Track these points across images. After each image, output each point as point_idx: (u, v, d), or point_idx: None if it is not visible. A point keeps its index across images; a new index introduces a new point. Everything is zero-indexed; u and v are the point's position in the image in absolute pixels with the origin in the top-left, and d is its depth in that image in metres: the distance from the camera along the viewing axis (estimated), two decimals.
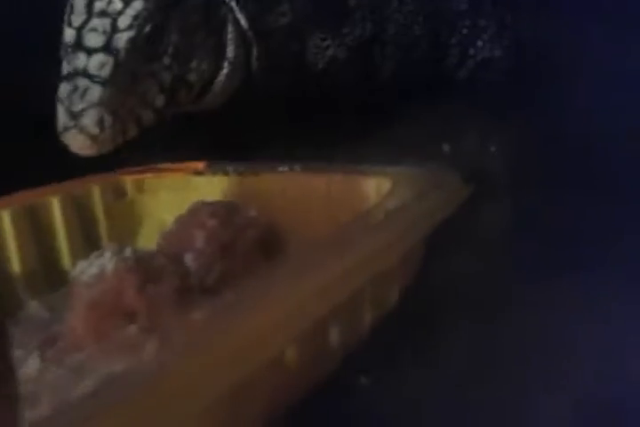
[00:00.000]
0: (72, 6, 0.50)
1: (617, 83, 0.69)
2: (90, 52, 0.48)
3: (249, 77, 0.60)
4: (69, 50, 0.49)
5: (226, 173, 0.56)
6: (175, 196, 0.57)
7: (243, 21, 0.59)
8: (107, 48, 0.48)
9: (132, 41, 0.49)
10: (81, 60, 0.48)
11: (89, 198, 0.55)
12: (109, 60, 0.48)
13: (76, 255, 0.52)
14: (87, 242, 0.54)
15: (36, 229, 0.50)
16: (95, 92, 0.47)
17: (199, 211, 0.48)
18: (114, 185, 0.57)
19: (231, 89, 0.59)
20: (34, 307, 0.47)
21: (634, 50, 0.72)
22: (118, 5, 0.49)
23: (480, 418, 0.37)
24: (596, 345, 0.42)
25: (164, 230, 0.50)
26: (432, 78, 0.75)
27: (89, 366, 0.37)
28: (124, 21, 0.49)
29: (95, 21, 0.49)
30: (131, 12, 0.49)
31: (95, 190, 0.56)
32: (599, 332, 0.43)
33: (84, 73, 0.47)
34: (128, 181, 0.58)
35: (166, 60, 0.52)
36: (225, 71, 0.57)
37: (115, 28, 0.48)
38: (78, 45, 0.48)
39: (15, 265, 0.49)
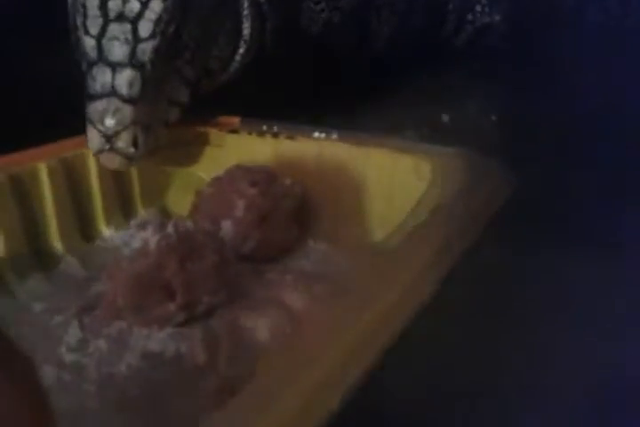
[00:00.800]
0: (84, 7, 0.46)
1: (619, 46, 0.66)
2: (115, 67, 0.45)
3: (262, 51, 0.59)
4: (92, 64, 0.46)
5: (261, 134, 0.55)
6: (209, 152, 0.57)
7: None
8: (132, 62, 0.45)
9: (156, 50, 0.46)
10: (107, 77, 0.45)
11: None
12: (137, 77, 0.45)
13: (110, 211, 0.53)
14: (120, 196, 0.54)
15: (71, 182, 0.50)
16: (127, 112, 0.45)
17: (238, 177, 0.48)
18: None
19: (244, 66, 0.57)
20: (69, 263, 0.48)
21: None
22: (135, 6, 0.45)
23: None
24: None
25: (201, 192, 0.50)
26: (430, 45, 0.74)
27: (128, 339, 0.38)
28: (145, 28, 0.45)
29: (114, 28, 0.45)
30: (151, 15, 0.45)
31: None
32: None
33: (113, 92, 0.45)
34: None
35: (187, 55, 0.49)
36: (241, 51, 0.55)
37: (137, 37, 0.45)
38: (101, 60, 0.45)
39: (50, 219, 0.49)
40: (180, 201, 0.56)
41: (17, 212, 0.47)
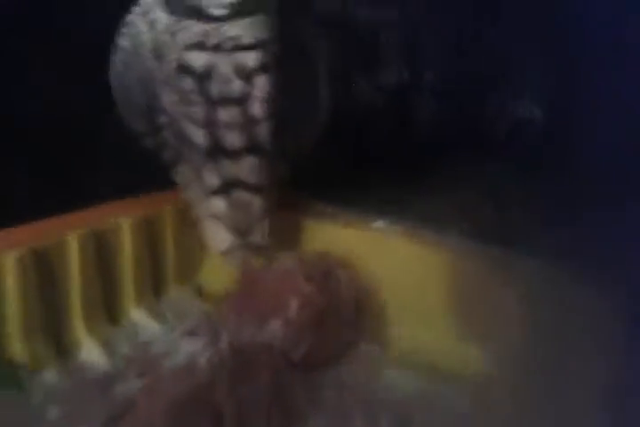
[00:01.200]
0: (180, 91, 0.39)
1: None
2: (232, 156, 0.40)
3: None
4: (207, 155, 0.40)
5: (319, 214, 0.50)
6: None
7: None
8: (251, 147, 0.40)
9: (272, 131, 0.40)
10: (228, 168, 0.40)
11: (160, 222, 0.49)
12: (259, 163, 0.40)
13: (141, 288, 0.47)
14: (152, 273, 0.48)
15: (100, 255, 0.45)
16: (257, 203, 0.41)
17: (292, 268, 0.43)
18: (186, 209, 0.51)
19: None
20: (91, 351, 0.42)
21: None
22: (239, 85, 0.38)
23: None
24: None
25: (246, 280, 0.44)
26: (469, 134, 0.71)
27: None
28: (257, 109, 0.39)
29: (222, 113, 0.39)
30: (258, 93, 0.39)
31: (167, 214, 0.50)
32: None
33: (238, 183, 0.41)
34: None
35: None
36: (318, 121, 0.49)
37: (251, 120, 0.39)
38: (217, 149, 0.40)
39: (74, 297, 0.43)
40: (216, 280, 0.51)
41: (37, 289, 0.41)
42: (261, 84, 0.38)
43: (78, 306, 0.43)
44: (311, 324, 0.41)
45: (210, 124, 0.39)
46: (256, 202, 0.41)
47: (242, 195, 0.41)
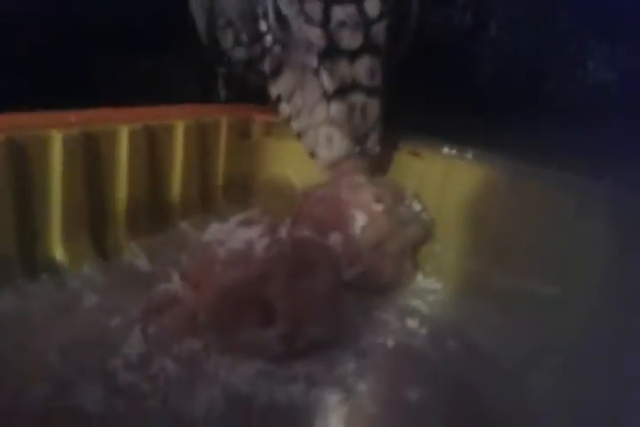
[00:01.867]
0: None
1: None
2: (351, 55, 0.38)
3: None
4: (323, 56, 0.38)
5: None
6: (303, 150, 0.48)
7: None
8: (368, 48, 0.38)
9: (388, 31, 0.38)
10: (345, 69, 0.38)
11: (215, 131, 0.46)
12: (376, 63, 0.38)
13: (189, 199, 0.44)
14: (202, 186, 0.45)
15: (152, 155, 0.42)
16: (374, 107, 0.38)
17: (362, 187, 0.39)
18: (241, 122, 0.48)
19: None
20: (134, 252, 0.39)
21: None
22: None
23: None
24: None
25: (309, 193, 0.41)
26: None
27: (204, 366, 0.29)
28: (373, 8, 0.37)
29: (339, 12, 0.37)
30: None
31: (223, 124, 0.46)
32: None
33: (355, 85, 0.38)
34: (257, 121, 0.49)
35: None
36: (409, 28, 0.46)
37: (367, 19, 0.37)
38: (332, 49, 0.38)
39: (120, 192, 0.40)
40: (265, 202, 0.48)
41: (84, 178, 0.38)
42: None
43: (123, 206, 0.40)
44: (371, 246, 0.37)
45: (326, 23, 0.37)
46: (372, 105, 0.38)
47: (359, 98, 0.38)
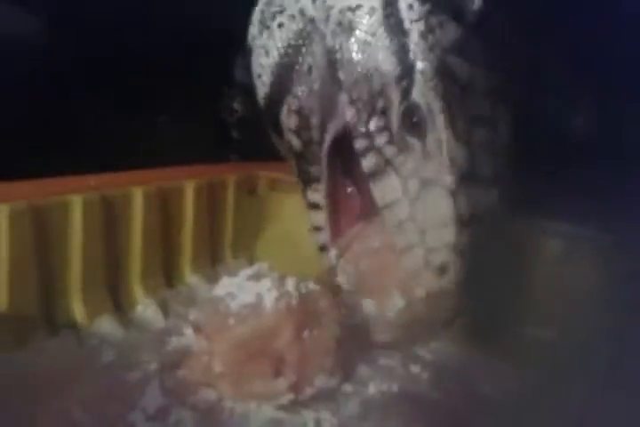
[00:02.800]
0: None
1: None
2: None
3: None
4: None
5: None
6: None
7: None
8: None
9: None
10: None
11: (223, 190, 0.49)
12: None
13: (199, 254, 0.46)
14: (211, 240, 0.48)
15: (165, 214, 0.44)
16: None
17: None
18: (248, 179, 0.51)
19: None
20: (148, 307, 0.42)
21: None
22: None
23: None
24: None
25: None
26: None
27: (219, 414, 0.31)
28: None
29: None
30: None
31: (230, 182, 0.49)
32: None
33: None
34: (262, 177, 0.52)
35: None
36: None
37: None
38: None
39: (135, 253, 0.42)
40: (270, 256, 0.50)
41: (102, 238, 0.40)
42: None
43: (138, 264, 0.42)
44: None
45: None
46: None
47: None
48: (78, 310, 0.39)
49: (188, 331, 0.35)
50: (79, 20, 0.57)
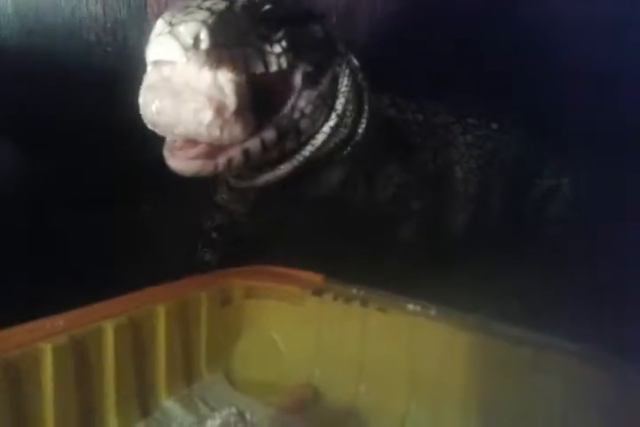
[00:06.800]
0: None
1: None
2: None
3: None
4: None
5: (348, 299, 0.50)
6: (286, 310, 0.52)
7: (359, 75, 0.55)
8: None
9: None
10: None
11: (195, 307, 0.50)
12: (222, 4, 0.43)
13: (173, 377, 0.47)
14: (185, 359, 0.48)
15: (136, 343, 0.45)
16: (200, 14, 0.42)
17: None
18: (222, 291, 0.52)
19: (329, 147, 0.54)
20: None
21: None
22: None
23: None
24: None
25: None
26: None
27: None
28: None
29: None
30: None
31: (203, 298, 0.50)
32: None
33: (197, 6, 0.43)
34: (236, 286, 0.53)
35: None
36: (330, 123, 0.52)
37: None
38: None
39: (108, 388, 0.43)
40: (248, 365, 0.51)
41: (74, 380, 0.41)
42: None
43: (112, 399, 0.43)
44: None
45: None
46: (200, 13, 0.43)
47: (190, 9, 0.43)
48: None
49: None
50: None
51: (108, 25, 0.74)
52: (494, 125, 0.73)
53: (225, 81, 0.42)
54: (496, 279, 0.64)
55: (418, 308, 0.48)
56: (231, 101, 0.42)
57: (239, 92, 0.43)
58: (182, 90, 0.42)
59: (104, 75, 0.73)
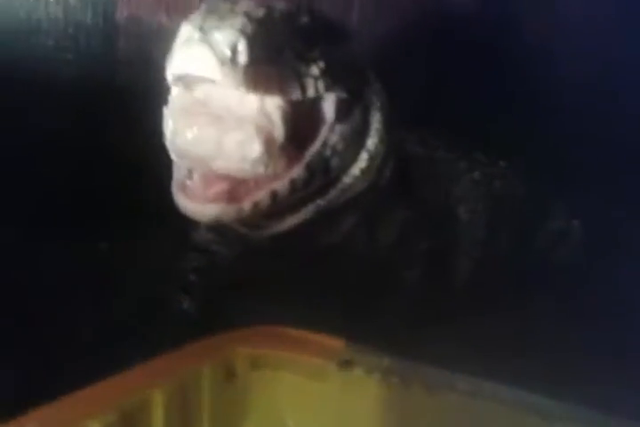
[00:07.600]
0: None
1: None
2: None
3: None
4: None
5: (381, 371, 0.42)
6: (301, 383, 0.43)
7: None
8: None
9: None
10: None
11: (196, 385, 0.40)
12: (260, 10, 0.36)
13: None
14: None
15: None
16: (237, 20, 0.34)
17: None
18: (224, 362, 0.42)
19: (354, 192, 0.46)
20: None
21: None
22: None
23: None
24: None
25: None
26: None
27: None
28: None
29: None
30: None
31: (204, 373, 0.41)
32: None
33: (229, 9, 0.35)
34: (241, 355, 0.43)
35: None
36: (361, 164, 0.44)
37: None
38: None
39: None
40: None
41: None
42: None
43: None
44: None
45: None
46: (237, 18, 0.37)
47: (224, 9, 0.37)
48: None
49: None
50: None
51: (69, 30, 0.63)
52: (502, 163, 0.68)
53: (273, 107, 0.34)
54: (504, 337, 0.58)
55: (468, 387, 0.40)
56: (280, 132, 0.34)
57: (287, 120, 0.34)
58: (223, 116, 0.33)
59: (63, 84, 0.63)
